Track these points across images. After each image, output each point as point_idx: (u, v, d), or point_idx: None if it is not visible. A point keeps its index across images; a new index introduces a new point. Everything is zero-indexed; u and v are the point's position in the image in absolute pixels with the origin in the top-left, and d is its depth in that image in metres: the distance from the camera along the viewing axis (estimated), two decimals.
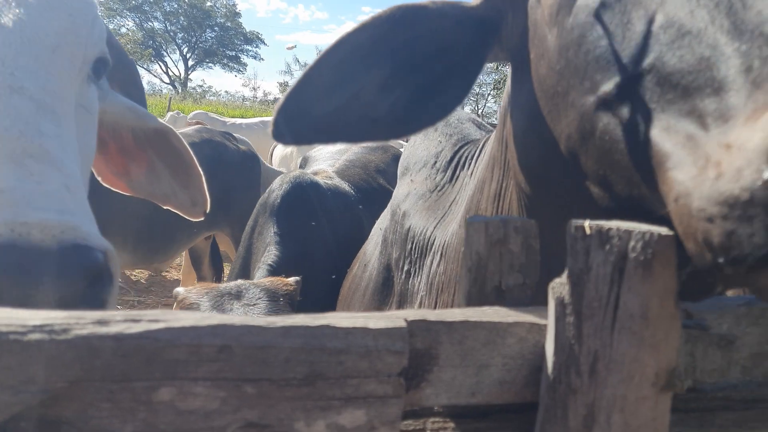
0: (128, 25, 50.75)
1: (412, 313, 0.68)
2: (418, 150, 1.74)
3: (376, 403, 0.65)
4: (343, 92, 1.08)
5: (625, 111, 0.79)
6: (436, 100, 1.14)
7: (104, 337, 0.56)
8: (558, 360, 0.66)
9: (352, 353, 0.63)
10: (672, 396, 0.78)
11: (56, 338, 0.55)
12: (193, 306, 1.93)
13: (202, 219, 1.93)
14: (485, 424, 0.74)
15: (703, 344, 0.78)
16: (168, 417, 0.59)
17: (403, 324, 0.66)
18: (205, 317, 0.60)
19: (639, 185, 0.80)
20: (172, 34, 52.91)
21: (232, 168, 4.37)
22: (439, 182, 1.51)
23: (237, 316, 0.63)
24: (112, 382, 0.57)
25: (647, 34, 0.77)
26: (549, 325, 0.68)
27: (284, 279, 2.14)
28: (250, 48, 55.09)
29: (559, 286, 0.67)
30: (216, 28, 53.20)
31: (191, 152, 1.77)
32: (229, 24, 53.21)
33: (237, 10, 54.06)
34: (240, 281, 2.06)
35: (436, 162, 1.62)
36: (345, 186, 3.45)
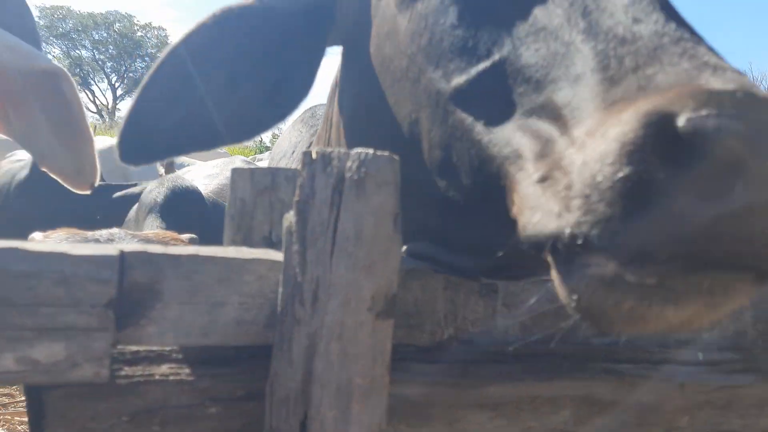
0: (55, 52, 49.33)
1: (133, 246, 0.64)
2: (283, 142, 1.73)
3: (78, 336, 0.59)
4: (187, 100, 1.05)
5: (478, 103, 0.76)
6: (283, 93, 1.12)
7: None
8: (285, 291, 0.63)
9: (44, 278, 0.58)
10: (438, 347, 0.76)
11: None
12: None
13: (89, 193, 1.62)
14: (226, 371, 0.69)
15: (464, 292, 0.76)
16: None
17: (114, 253, 0.61)
18: None
19: (486, 178, 0.76)
20: (100, 62, 51.66)
21: None
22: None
23: None
24: None
25: (503, 26, 0.76)
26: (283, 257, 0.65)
27: (175, 234, 1.75)
28: None
29: (289, 216, 0.64)
30: (146, 58, 52.27)
31: (83, 111, 1.52)
32: (159, 54, 52.45)
33: (168, 41, 53.42)
34: (115, 229, 1.66)
35: (294, 151, 1.59)
36: (224, 204, 3.36)
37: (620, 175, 0.52)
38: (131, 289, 0.62)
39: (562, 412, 0.82)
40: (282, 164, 1.64)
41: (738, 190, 0.49)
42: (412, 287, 0.73)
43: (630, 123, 0.53)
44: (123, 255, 0.62)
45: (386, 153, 0.60)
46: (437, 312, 0.74)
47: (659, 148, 0.51)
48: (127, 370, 0.66)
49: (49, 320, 0.58)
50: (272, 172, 0.77)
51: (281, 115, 1.13)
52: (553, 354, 0.82)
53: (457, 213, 0.80)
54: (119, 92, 52.88)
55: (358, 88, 1.07)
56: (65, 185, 1.56)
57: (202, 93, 1.07)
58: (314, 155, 0.61)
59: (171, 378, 0.67)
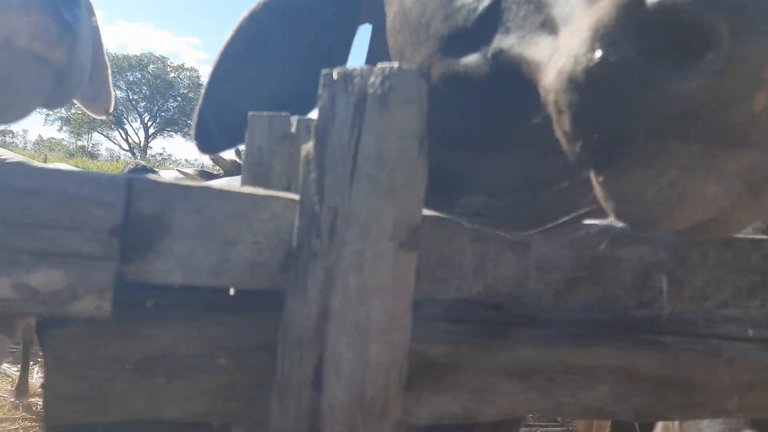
0: None
1: (142, 175, 0.60)
2: None
3: (79, 264, 0.56)
4: (249, 88, 1.14)
5: (487, 35, 0.74)
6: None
7: None
8: (302, 224, 0.58)
9: (45, 197, 0.54)
10: (465, 304, 0.71)
11: None
12: None
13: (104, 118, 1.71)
14: (236, 319, 0.64)
15: (495, 246, 0.71)
16: None
17: (121, 178, 0.57)
18: None
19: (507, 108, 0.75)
20: (134, 102, 53.08)
21: None
22: None
23: None
24: None
25: None
26: (300, 189, 0.60)
27: None
28: None
29: (307, 146, 0.60)
30: (178, 98, 53.60)
31: (101, 36, 1.52)
32: (191, 95, 53.66)
33: (200, 82, 54.72)
34: None
35: None
36: None
37: (596, 59, 0.50)
38: (138, 219, 0.58)
39: (600, 386, 0.75)
40: None
41: (718, 60, 0.45)
42: (438, 238, 0.68)
43: (603, 9, 0.52)
44: (130, 182, 0.58)
45: (412, 67, 0.56)
46: (465, 266, 0.68)
47: (633, 28, 0.49)
48: (131, 313, 0.62)
49: (48, 244, 0.54)
50: (292, 120, 0.74)
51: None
52: (591, 321, 0.76)
53: (485, 152, 0.77)
54: (151, 131, 54.14)
55: (380, 56, 1.07)
56: (86, 111, 1.62)
57: (264, 78, 1.15)
58: (335, 75, 0.58)
59: (178, 323, 0.62)
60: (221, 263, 0.61)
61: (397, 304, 0.55)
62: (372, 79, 0.55)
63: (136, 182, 0.58)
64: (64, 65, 0.97)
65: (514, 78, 0.70)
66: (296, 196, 0.63)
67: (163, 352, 0.62)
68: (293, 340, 0.58)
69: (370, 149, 0.55)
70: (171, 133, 55.51)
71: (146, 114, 53.93)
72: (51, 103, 1.04)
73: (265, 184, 0.73)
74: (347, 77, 0.57)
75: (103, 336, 0.60)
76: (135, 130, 54.61)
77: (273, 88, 1.16)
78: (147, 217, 0.59)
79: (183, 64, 55.79)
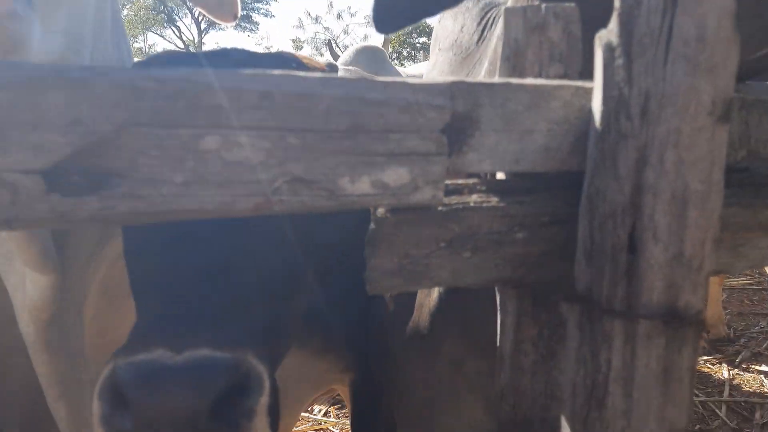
0: None
1: (451, 78, 0.67)
2: (447, 21, 1.73)
3: (419, 161, 0.64)
4: None
5: None
6: None
7: (145, 78, 0.55)
8: (606, 109, 0.64)
9: (392, 105, 0.62)
10: (730, 169, 0.76)
11: (100, 77, 0.54)
12: None
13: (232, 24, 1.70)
14: (529, 198, 0.72)
15: (757, 112, 0.75)
16: (215, 167, 0.59)
17: (444, 81, 0.64)
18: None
19: None
20: None
21: None
22: (466, 45, 1.49)
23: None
24: (159, 127, 0.56)
25: None
26: (596, 74, 0.66)
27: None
28: (260, 5, 54.25)
29: (607, 33, 0.64)
30: None
31: None
32: None
33: None
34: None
35: (463, 27, 1.60)
36: None
37: None
38: (455, 118, 0.66)
39: None
40: (450, 39, 1.64)
41: None
42: None
43: None
44: (450, 84, 0.65)
45: None
46: (731, 133, 0.73)
47: None
48: (445, 200, 0.71)
49: (396, 146, 0.63)
50: (542, 9, 0.78)
51: None
52: None
53: None
54: (203, 26, 53.63)
55: None
56: (210, 17, 1.65)
57: None
58: None
59: (484, 205, 0.71)
60: (521, 151, 0.69)
61: (713, 173, 0.61)
62: None
63: (452, 85, 0.65)
64: None
65: None
66: (584, 83, 0.69)
67: (471, 231, 0.71)
68: (604, 212, 0.65)
69: (688, 32, 0.59)
70: (222, 26, 54.81)
71: (196, 9, 53.18)
72: None
73: (521, 74, 0.79)
74: None
75: (425, 220, 0.70)
76: (187, 26, 54.24)
77: None
78: (460, 115, 0.66)
79: None
